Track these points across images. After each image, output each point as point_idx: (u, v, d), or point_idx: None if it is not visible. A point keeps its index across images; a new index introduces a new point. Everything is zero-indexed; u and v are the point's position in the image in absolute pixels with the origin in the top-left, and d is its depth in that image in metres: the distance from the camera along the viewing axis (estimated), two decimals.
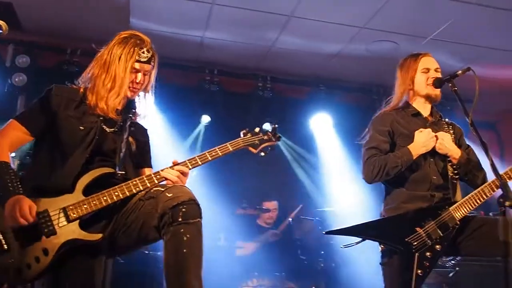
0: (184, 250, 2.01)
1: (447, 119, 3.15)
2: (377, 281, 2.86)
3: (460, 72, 2.59)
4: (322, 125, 6.84)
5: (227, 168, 6.11)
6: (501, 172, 2.66)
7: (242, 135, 2.53)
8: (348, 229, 2.78)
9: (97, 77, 2.40)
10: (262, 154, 2.58)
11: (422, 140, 2.80)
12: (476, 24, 5.15)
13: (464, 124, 2.66)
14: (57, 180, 2.23)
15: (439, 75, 2.96)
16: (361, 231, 2.76)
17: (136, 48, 2.39)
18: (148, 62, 2.42)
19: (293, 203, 6.53)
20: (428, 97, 3.00)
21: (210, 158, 2.39)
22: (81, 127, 2.33)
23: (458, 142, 3.05)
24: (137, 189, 2.24)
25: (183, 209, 2.04)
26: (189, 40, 5.83)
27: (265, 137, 2.57)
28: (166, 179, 2.30)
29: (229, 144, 2.46)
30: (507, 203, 2.00)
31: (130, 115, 2.49)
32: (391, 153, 2.84)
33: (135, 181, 2.26)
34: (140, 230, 2.20)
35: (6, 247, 2.11)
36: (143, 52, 2.40)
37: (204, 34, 5.69)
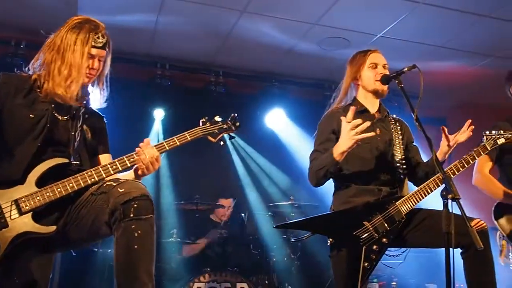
0: (135, 246, 1.97)
1: (394, 115, 3.20)
2: (328, 273, 2.90)
3: (406, 69, 2.65)
4: (277, 120, 6.89)
5: (179, 162, 6.09)
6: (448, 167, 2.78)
7: (201, 124, 2.50)
8: (297, 223, 2.81)
9: (50, 64, 2.31)
10: (222, 143, 2.55)
11: (340, 141, 2.69)
12: (424, 22, 5.29)
13: (411, 120, 2.72)
14: (6, 171, 2.16)
15: (386, 71, 3.01)
16: (310, 225, 2.80)
17: (91, 34, 2.32)
18: (103, 47, 2.37)
19: (247, 198, 6.58)
20: (375, 93, 3.04)
21: (167, 148, 2.36)
22: (31, 115, 2.25)
23: (405, 138, 3.11)
24: (92, 180, 2.19)
25: (135, 205, 2.00)
26: (140, 34, 5.73)
27: (225, 126, 2.55)
28: (135, 163, 2.27)
29: (187, 133, 2.42)
30: (449, 196, 2.07)
31: (84, 102, 2.43)
32: (323, 155, 2.81)
33: (90, 171, 2.20)
34: (91, 225, 2.15)
35: None
36: (98, 37, 2.34)
37: (156, 28, 5.61)
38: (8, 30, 5.69)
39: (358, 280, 2.58)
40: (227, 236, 5.33)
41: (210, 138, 2.51)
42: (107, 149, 2.58)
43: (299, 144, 6.62)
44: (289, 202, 5.60)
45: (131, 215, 1.99)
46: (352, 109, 2.66)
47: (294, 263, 5.30)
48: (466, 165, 2.84)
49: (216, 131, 2.52)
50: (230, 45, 6.03)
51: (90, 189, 2.21)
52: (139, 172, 2.35)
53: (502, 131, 2.94)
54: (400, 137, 3.06)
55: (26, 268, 2.15)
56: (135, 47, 6.00)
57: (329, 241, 2.79)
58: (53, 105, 2.32)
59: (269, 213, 6.01)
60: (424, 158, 3.12)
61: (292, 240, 5.20)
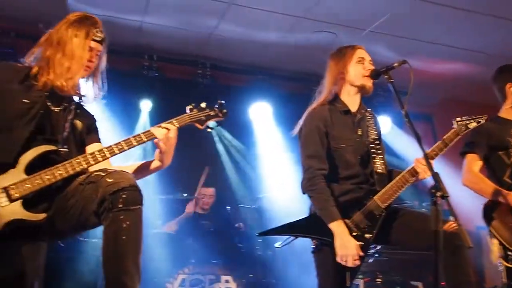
0: (124, 237, 1.97)
1: (369, 109, 3.14)
2: (312, 269, 2.91)
3: (396, 64, 2.64)
4: (261, 113, 6.87)
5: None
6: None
7: (188, 111, 2.51)
8: (279, 229, 2.82)
9: (50, 56, 2.32)
10: (209, 130, 2.57)
11: (345, 243, 2.63)
12: (413, 17, 5.31)
13: (399, 116, 2.73)
14: None
15: (372, 67, 2.97)
16: (292, 229, 2.81)
17: (91, 27, 2.37)
18: (101, 42, 2.41)
19: (231, 191, 6.56)
20: (361, 89, 3.00)
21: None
22: (25, 100, 2.24)
23: (379, 133, 3.10)
24: (81, 167, 2.17)
25: (124, 195, 2.00)
26: (127, 25, 5.68)
27: (212, 113, 2.55)
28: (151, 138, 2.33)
29: (175, 120, 2.44)
30: (438, 194, 2.08)
31: (77, 96, 2.45)
32: (327, 198, 2.76)
33: (78, 159, 2.19)
34: (79, 215, 2.14)
35: None
36: (97, 32, 2.38)
37: (143, 19, 5.56)
38: (7, 21, 5.53)
39: (345, 279, 2.59)
40: (211, 228, 5.33)
41: (197, 125, 2.52)
42: (97, 139, 2.57)
43: (284, 137, 6.63)
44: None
45: (120, 206, 1.99)
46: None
47: (278, 256, 5.32)
48: (439, 153, 2.81)
49: (203, 117, 2.52)
50: (217, 37, 6.00)
51: (78, 178, 2.20)
52: (160, 153, 2.41)
53: (473, 116, 2.94)
54: (376, 132, 3.05)
55: (15, 258, 2.15)
56: (122, 38, 5.93)
57: (312, 243, 2.80)
58: (46, 94, 2.32)
59: (254, 206, 6.00)
60: (412, 153, 3.11)
61: (276, 246, 5.20)
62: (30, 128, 2.20)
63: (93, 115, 2.61)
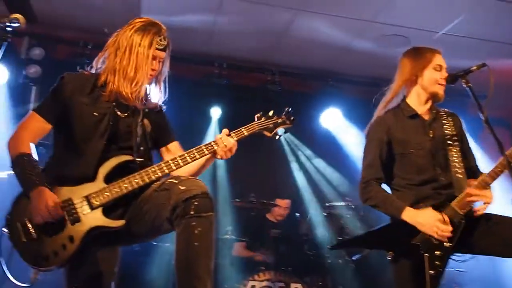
0: (196, 243, 2.01)
1: (445, 109, 2.99)
2: (385, 277, 2.82)
3: (474, 67, 2.51)
4: (332, 119, 6.81)
5: (234, 160, 6.10)
6: None
7: (256, 119, 2.52)
8: (351, 241, 2.75)
9: (115, 64, 2.37)
10: (277, 137, 2.56)
11: (423, 221, 2.60)
12: (489, 18, 5.07)
13: (477, 122, 2.59)
14: (77, 169, 2.26)
15: (446, 75, 2.82)
16: (366, 241, 2.74)
17: (155, 36, 2.39)
18: (164, 49, 2.44)
19: (300, 198, 6.52)
20: (434, 96, 2.86)
21: (246, 134, 2.44)
22: (95, 113, 2.34)
23: (459, 133, 2.90)
24: (156, 176, 2.26)
25: (196, 203, 2.04)
26: (198, 33, 5.81)
27: (280, 120, 2.55)
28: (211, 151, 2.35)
29: (244, 128, 2.46)
30: None
31: (145, 102, 2.49)
32: (386, 194, 2.75)
33: (154, 167, 2.27)
34: (153, 221, 2.21)
35: (35, 236, 2.17)
36: (161, 40, 2.41)
37: (214, 27, 5.67)
38: (76, 32, 5.95)
39: None
40: (281, 235, 5.31)
41: (266, 132, 2.53)
42: (172, 138, 2.62)
43: (355, 144, 6.50)
44: (344, 203, 5.52)
45: (192, 212, 2.03)
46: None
47: (349, 265, 5.22)
48: None
49: (271, 125, 2.53)
50: (286, 44, 6.02)
51: (153, 185, 2.27)
52: (218, 156, 2.41)
53: None
54: (454, 133, 2.86)
55: (93, 261, 2.26)
56: (193, 46, 6.09)
57: (389, 254, 2.69)
58: (113, 103, 2.39)
59: (324, 213, 5.93)
60: (490, 161, 2.94)
61: (351, 259, 5.11)
62: (103, 141, 2.30)
63: (160, 106, 2.62)
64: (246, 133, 2.44)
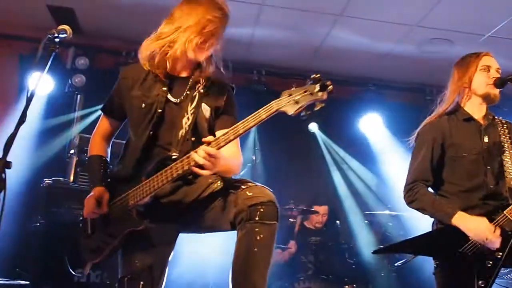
0: (255, 249, 2.03)
1: (501, 118, 2.93)
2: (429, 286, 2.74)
3: None
4: (372, 125, 6.70)
5: (273, 165, 6.09)
6: None
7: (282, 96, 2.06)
8: (395, 246, 2.69)
9: (170, 31, 2.29)
10: (303, 114, 2.00)
11: (473, 227, 2.52)
12: None
13: None
14: (123, 169, 2.33)
15: (498, 75, 2.78)
16: (410, 247, 2.67)
17: (210, 4, 2.30)
18: (225, 18, 2.37)
19: (340, 204, 6.44)
20: (486, 97, 2.81)
21: (241, 131, 2.06)
22: (143, 105, 2.28)
23: (510, 141, 2.82)
24: (185, 168, 2.07)
25: (261, 209, 2.05)
26: (237, 40, 5.85)
27: (307, 93, 1.97)
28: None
29: (262, 110, 2.07)
30: None
31: (200, 79, 2.35)
32: (434, 198, 2.69)
33: (183, 160, 2.09)
34: (215, 219, 2.22)
35: (90, 232, 2.37)
36: (218, 9, 2.32)
37: (253, 34, 5.69)
38: (118, 42, 6.12)
39: None
40: (321, 243, 5.26)
41: (287, 110, 2.01)
42: (230, 121, 2.32)
43: (395, 151, 6.37)
44: (386, 212, 5.43)
45: (256, 218, 2.04)
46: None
47: (392, 274, 5.11)
48: None
49: (295, 100, 2.00)
50: (325, 50, 5.98)
51: (219, 183, 2.25)
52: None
53: None
54: (510, 141, 2.80)
55: (145, 251, 2.27)
56: (232, 54, 6.12)
57: (434, 262, 2.63)
58: (165, 88, 2.29)
59: (365, 221, 5.85)
60: None
61: (395, 265, 5.00)
62: (144, 137, 2.24)
63: (226, 85, 2.49)
64: (264, 116, 2.06)
